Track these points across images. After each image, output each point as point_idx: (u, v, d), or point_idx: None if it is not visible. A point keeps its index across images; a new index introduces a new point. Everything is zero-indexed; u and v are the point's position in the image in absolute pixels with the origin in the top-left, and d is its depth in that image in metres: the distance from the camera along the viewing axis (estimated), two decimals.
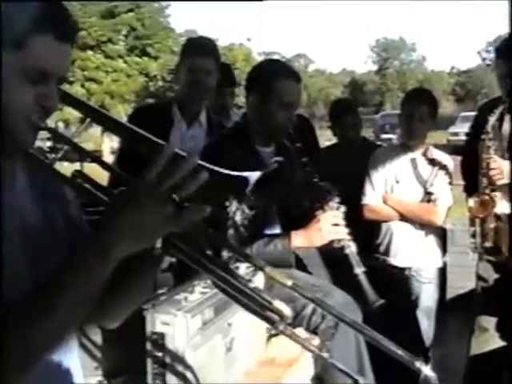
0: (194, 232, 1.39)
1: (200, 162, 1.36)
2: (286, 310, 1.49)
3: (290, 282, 1.51)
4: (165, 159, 1.26)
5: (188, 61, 3.73)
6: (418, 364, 1.49)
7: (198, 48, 3.79)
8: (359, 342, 2.87)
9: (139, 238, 1.27)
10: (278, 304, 1.48)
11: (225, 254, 1.55)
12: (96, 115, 1.63)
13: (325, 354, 1.49)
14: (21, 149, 1.46)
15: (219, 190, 1.38)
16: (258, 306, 1.47)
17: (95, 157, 1.57)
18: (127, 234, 1.25)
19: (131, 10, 41.80)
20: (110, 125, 1.64)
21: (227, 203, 1.39)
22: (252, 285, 1.49)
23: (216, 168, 1.38)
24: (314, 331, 2.85)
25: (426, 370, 1.48)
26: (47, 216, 1.57)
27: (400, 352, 1.49)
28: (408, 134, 4.17)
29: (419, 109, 4.03)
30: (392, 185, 4.18)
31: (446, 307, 4.43)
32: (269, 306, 1.47)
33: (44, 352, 1.32)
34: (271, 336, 2.59)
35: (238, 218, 1.50)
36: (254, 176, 1.37)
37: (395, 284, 3.72)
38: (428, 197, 4.08)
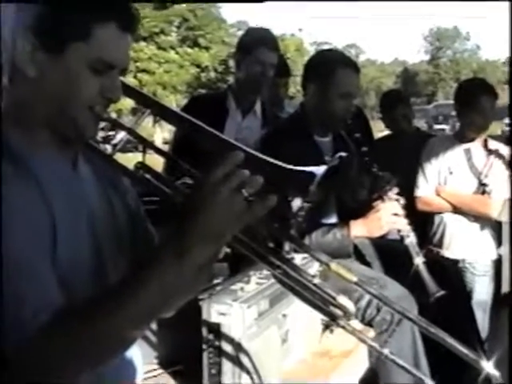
0: (256, 225, 1.37)
1: (266, 157, 1.35)
2: (350, 306, 1.47)
3: (354, 278, 1.49)
4: (232, 164, 1.23)
5: (254, 54, 3.70)
6: (483, 362, 1.45)
7: (265, 41, 3.75)
8: (415, 335, 2.84)
9: (216, 239, 1.25)
10: (342, 300, 1.47)
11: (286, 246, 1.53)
12: (153, 105, 1.63)
13: (385, 350, 1.48)
14: (84, 139, 1.47)
15: (284, 184, 1.36)
16: (320, 301, 1.46)
17: (155, 146, 1.58)
18: (204, 236, 1.22)
19: (183, 1, 41.90)
20: (166, 115, 1.64)
21: (290, 198, 1.37)
22: (316, 280, 1.47)
23: (281, 163, 1.36)
24: (369, 323, 2.83)
25: (490, 369, 1.44)
26: (110, 204, 1.59)
27: (464, 350, 1.46)
28: (468, 124, 4.10)
29: (479, 99, 3.96)
30: (445, 176, 4.13)
31: (500, 301, 4.35)
32: (332, 301, 1.46)
33: (114, 352, 1.34)
34: (326, 327, 2.56)
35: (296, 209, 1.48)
36: (319, 171, 1.34)
37: (449, 276, 3.66)
38: (482, 188, 4.00)
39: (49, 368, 1.23)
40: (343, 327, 1.49)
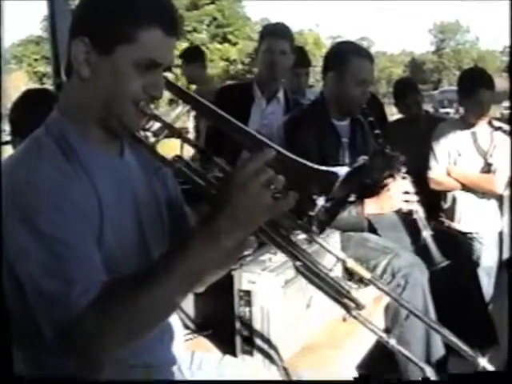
0: (279, 218, 1.36)
1: (293, 156, 1.32)
2: (362, 300, 1.49)
3: (369, 275, 1.50)
4: (263, 160, 1.22)
5: (264, 43, 3.70)
6: (478, 358, 1.44)
7: (273, 31, 3.75)
8: (426, 299, 2.82)
9: (243, 228, 1.23)
10: (355, 294, 1.49)
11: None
12: (186, 97, 1.61)
13: (391, 341, 1.51)
14: (129, 132, 1.45)
15: (309, 182, 1.32)
16: (336, 294, 1.47)
17: (190, 140, 1.55)
18: (232, 225, 1.21)
19: (213, 2, 42.09)
20: (198, 106, 1.62)
21: (315, 196, 1.34)
22: (332, 274, 1.47)
23: (307, 162, 1.33)
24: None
25: (484, 363, 1.43)
26: (153, 189, 1.58)
27: (464, 347, 1.46)
28: (469, 112, 4.06)
29: (478, 91, 3.89)
30: (455, 158, 4.08)
31: (502, 266, 4.31)
32: (347, 294, 1.47)
33: (153, 323, 1.32)
34: None
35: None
36: (342, 171, 1.31)
37: (458, 246, 3.61)
38: (488, 167, 3.98)
39: (99, 338, 1.22)
40: (355, 317, 1.50)
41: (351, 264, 1.48)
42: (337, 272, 1.84)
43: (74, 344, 1.22)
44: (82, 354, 1.24)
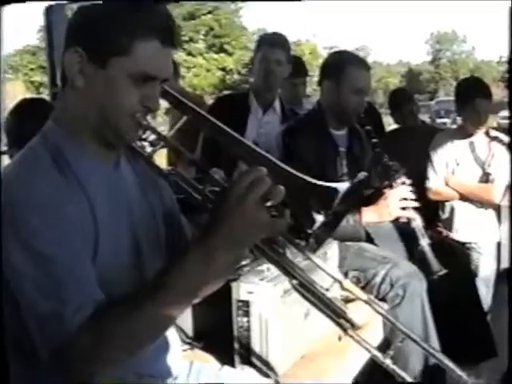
0: (275, 235, 1.35)
1: (292, 170, 1.31)
2: (357, 320, 1.47)
3: (365, 297, 1.49)
4: (259, 174, 1.21)
5: (260, 53, 3.71)
6: (467, 377, 1.43)
7: (269, 41, 3.77)
8: (424, 309, 2.81)
9: (238, 246, 1.22)
10: (351, 314, 1.47)
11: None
12: (184, 107, 1.60)
13: (387, 360, 1.47)
14: (125, 143, 1.44)
15: (308, 198, 1.31)
16: (332, 313, 1.45)
17: (187, 155, 1.53)
18: (228, 242, 1.20)
19: (210, 12, 42.23)
20: (195, 117, 1.61)
21: (313, 212, 1.33)
22: (329, 294, 1.46)
23: (306, 177, 1.31)
24: (382, 298, 2.80)
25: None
26: (149, 202, 1.56)
27: (451, 365, 1.45)
28: (467, 121, 4.06)
29: (475, 101, 3.90)
30: (453, 168, 4.09)
31: (500, 276, 4.31)
32: (342, 314, 1.45)
33: (148, 340, 1.32)
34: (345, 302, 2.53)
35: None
36: (343, 187, 1.30)
37: (456, 255, 3.61)
38: (486, 177, 3.98)
39: (94, 356, 1.21)
40: (351, 336, 1.47)
41: (348, 285, 1.47)
42: (335, 288, 1.84)
43: (69, 363, 1.22)
44: (77, 374, 1.23)
